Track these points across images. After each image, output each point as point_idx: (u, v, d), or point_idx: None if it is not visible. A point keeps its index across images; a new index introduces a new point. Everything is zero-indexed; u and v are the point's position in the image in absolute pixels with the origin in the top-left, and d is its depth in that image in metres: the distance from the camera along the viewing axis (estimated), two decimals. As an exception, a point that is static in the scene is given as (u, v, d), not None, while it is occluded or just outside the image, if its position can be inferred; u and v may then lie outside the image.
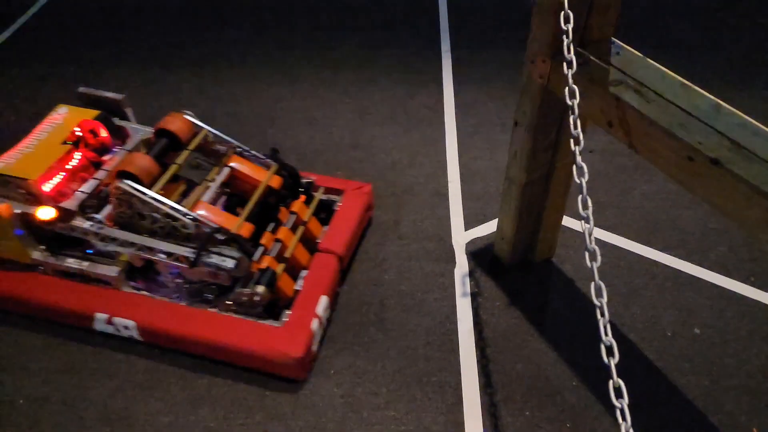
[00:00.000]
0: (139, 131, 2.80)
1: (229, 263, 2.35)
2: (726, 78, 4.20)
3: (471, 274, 2.91)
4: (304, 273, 2.61)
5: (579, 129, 1.90)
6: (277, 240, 2.58)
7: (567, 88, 1.92)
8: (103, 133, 2.66)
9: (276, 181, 2.70)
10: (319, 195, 2.89)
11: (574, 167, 1.86)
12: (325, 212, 2.93)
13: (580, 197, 1.82)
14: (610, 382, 1.62)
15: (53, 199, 2.46)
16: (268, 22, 4.99)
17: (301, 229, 2.69)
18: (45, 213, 2.42)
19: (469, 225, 3.17)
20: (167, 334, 2.45)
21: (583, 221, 1.81)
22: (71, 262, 2.56)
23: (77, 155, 2.57)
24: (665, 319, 2.70)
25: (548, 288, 2.86)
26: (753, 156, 1.79)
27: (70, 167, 2.52)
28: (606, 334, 1.68)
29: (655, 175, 3.49)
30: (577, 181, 1.84)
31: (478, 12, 5.07)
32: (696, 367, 2.51)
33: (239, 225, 2.45)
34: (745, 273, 2.90)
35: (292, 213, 2.71)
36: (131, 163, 2.41)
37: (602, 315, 1.69)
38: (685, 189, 1.93)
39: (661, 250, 3.02)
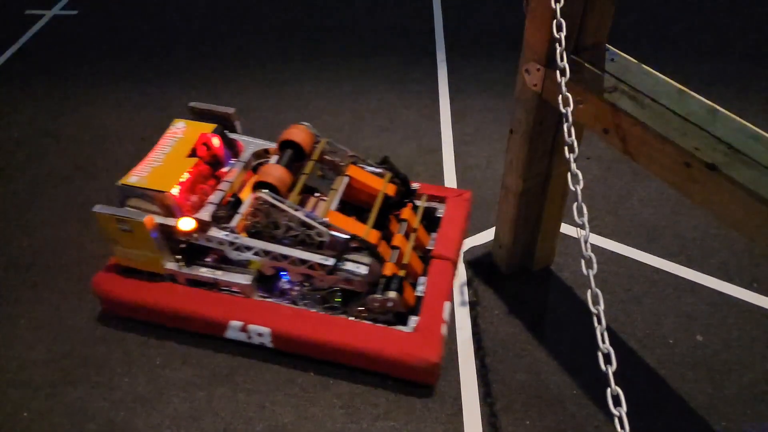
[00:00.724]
0: (250, 143, 2.88)
1: (363, 269, 2.41)
2: (723, 82, 4.20)
3: (469, 282, 2.91)
4: (421, 280, 2.65)
5: (573, 137, 1.91)
6: (394, 247, 2.61)
7: (560, 96, 1.94)
8: (217, 144, 2.71)
9: (390, 189, 2.76)
10: (423, 203, 2.92)
11: (569, 175, 1.87)
12: (425, 219, 2.94)
13: (575, 205, 1.82)
14: (608, 390, 1.61)
15: (184, 211, 2.54)
16: (261, 32, 5.04)
17: (413, 237, 2.72)
18: (186, 224, 2.48)
19: (466, 233, 3.17)
20: (302, 340, 2.48)
21: (578, 228, 1.81)
22: (204, 272, 2.61)
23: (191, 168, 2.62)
24: (666, 326, 2.68)
25: (547, 296, 2.85)
26: (750, 160, 1.79)
27: (184, 180, 2.57)
28: (603, 342, 1.67)
29: (653, 180, 3.48)
30: (572, 188, 1.85)
31: (472, 21, 5.11)
32: (698, 374, 2.49)
33: (368, 232, 2.50)
34: (748, 278, 2.88)
35: (402, 220, 2.75)
36: (269, 174, 2.48)
37: (599, 323, 1.69)
38: (683, 195, 1.92)
39: (661, 257, 3.01)
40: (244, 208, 2.57)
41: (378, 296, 2.43)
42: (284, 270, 2.56)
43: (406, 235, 2.69)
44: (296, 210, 2.42)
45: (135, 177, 2.53)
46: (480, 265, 3.00)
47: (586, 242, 1.77)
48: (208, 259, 2.67)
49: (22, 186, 3.60)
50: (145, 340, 2.70)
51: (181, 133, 2.74)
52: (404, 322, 2.50)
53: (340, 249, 2.41)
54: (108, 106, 4.28)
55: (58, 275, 3.03)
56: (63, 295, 2.93)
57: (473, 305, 2.81)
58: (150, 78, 4.56)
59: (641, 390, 2.44)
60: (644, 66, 2.13)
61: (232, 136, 2.88)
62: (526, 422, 2.35)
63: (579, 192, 1.83)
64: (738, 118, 1.93)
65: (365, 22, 5.17)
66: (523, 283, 2.89)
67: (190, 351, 2.64)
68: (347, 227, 2.46)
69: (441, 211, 2.95)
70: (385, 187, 2.72)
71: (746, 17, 4.94)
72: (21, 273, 3.05)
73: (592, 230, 3.16)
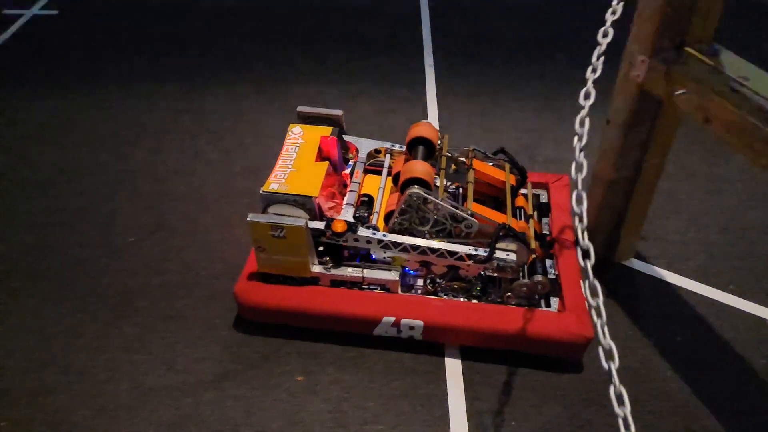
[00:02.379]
0: (362, 144, 3.00)
1: (513, 256, 2.50)
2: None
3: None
4: (548, 263, 2.75)
5: (585, 126, 2.00)
6: None
7: (584, 90, 2.04)
8: (335, 147, 2.78)
9: (512, 180, 2.88)
10: (530, 190, 3.00)
11: (573, 164, 1.92)
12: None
13: (575, 193, 1.85)
14: (611, 388, 1.55)
15: (327, 214, 2.62)
16: (248, 36, 5.03)
17: (532, 223, 2.80)
18: (339, 226, 2.52)
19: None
20: (457, 329, 2.54)
21: (577, 218, 1.83)
22: (351, 271, 2.63)
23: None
24: (647, 327, 2.74)
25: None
26: None
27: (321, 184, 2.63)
28: (604, 336, 1.63)
29: (635, 185, 3.55)
30: (574, 177, 1.90)
31: (460, 26, 5.17)
32: (677, 373, 2.55)
33: (510, 221, 2.62)
34: (725, 281, 2.96)
35: (518, 208, 2.86)
36: (417, 170, 2.55)
37: (599, 316, 1.66)
38: None
39: (642, 260, 3.08)
40: (378, 207, 2.70)
41: (526, 281, 2.53)
42: (425, 264, 2.62)
43: (526, 222, 2.81)
44: (449, 204, 2.50)
45: (275, 184, 2.56)
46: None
47: (583, 232, 1.78)
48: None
49: (1, 190, 3.53)
50: (127, 347, 2.66)
51: (300, 138, 2.79)
52: (536, 304, 2.62)
53: (495, 237, 2.49)
54: (90, 108, 4.22)
55: (39, 281, 2.97)
56: (43, 302, 2.87)
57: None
58: (132, 80, 4.51)
59: (624, 388, 2.49)
60: (745, 60, 2.22)
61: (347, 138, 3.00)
62: (512, 423, 2.38)
63: (580, 181, 1.88)
64: None
65: (352, 27, 5.19)
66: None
67: (175, 358, 2.61)
68: (492, 217, 2.57)
69: (544, 196, 3.09)
70: (508, 177, 2.85)
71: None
72: (0, 279, 2.99)
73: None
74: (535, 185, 3.13)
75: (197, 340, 2.69)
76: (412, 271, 2.71)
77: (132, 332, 2.73)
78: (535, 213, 3.00)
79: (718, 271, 3.02)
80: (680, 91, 2.17)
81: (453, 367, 2.58)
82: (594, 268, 1.73)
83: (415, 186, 2.46)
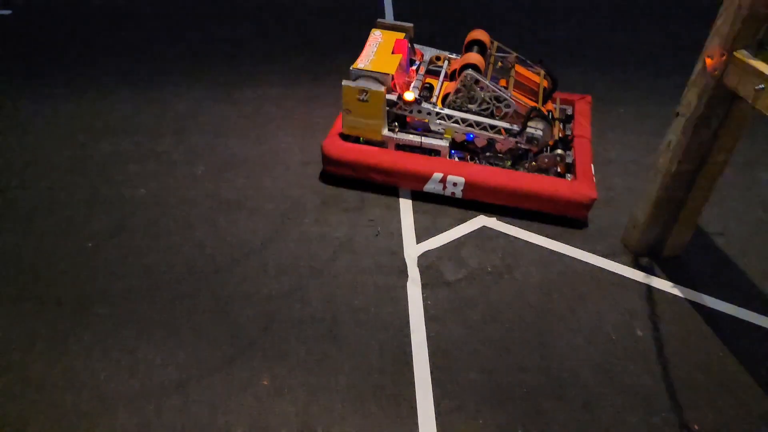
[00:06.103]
0: (426, 50, 3.83)
1: (539, 132, 3.22)
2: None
3: (424, 286, 2.95)
4: (568, 153, 3.47)
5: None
6: None
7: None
8: (405, 48, 3.47)
9: (545, 83, 3.57)
10: (558, 104, 3.77)
11: None
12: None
13: None
14: None
15: (397, 90, 3.32)
16: (206, 40, 4.96)
17: (557, 124, 3.49)
18: (409, 95, 3.24)
19: (420, 238, 3.22)
20: (491, 188, 3.24)
21: None
22: (413, 137, 3.36)
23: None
24: (610, 323, 2.81)
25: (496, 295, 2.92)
26: None
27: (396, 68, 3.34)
28: None
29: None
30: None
31: (423, 21, 5.20)
32: (639, 367, 2.62)
33: (540, 106, 3.32)
34: (673, 276, 3.06)
35: (548, 111, 3.50)
36: (472, 58, 3.32)
37: None
38: None
39: (603, 257, 3.15)
40: (437, 92, 3.45)
41: (548, 153, 3.28)
42: (470, 138, 3.35)
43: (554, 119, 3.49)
44: (494, 86, 3.16)
45: (362, 64, 3.29)
46: (434, 268, 3.05)
47: None
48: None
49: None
50: (87, 354, 2.59)
51: (380, 38, 3.58)
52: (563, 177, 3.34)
53: (527, 116, 3.16)
54: (44, 108, 4.10)
55: (-8, 288, 2.86)
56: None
57: (427, 308, 2.85)
58: (88, 79, 4.39)
59: (587, 384, 2.54)
60: None
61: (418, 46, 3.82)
62: (479, 420, 2.40)
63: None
64: None
65: (315, 27, 5.17)
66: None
67: (137, 364, 2.55)
68: (528, 101, 3.27)
69: (570, 110, 3.87)
70: (542, 81, 3.55)
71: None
72: (-50, 287, 2.86)
73: (537, 232, 3.28)
74: (564, 101, 3.87)
75: (160, 346, 2.63)
76: (456, 154, 3.43)
77: (91, 338, 2.65)
78: (561, 123, 3.65)
79: (669, 268, 3.11)
80: (760, 86, 2.18)
81: (421, 367, 2.59)
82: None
83: (470, 69, 3.15)
